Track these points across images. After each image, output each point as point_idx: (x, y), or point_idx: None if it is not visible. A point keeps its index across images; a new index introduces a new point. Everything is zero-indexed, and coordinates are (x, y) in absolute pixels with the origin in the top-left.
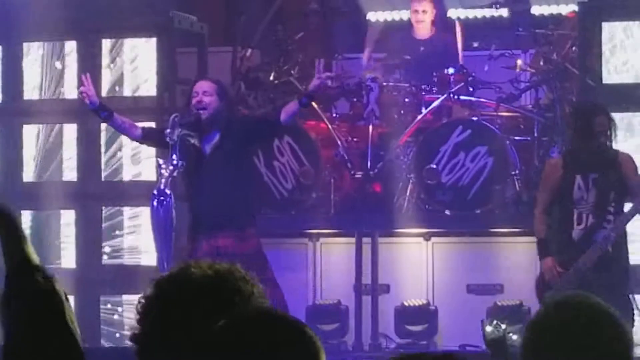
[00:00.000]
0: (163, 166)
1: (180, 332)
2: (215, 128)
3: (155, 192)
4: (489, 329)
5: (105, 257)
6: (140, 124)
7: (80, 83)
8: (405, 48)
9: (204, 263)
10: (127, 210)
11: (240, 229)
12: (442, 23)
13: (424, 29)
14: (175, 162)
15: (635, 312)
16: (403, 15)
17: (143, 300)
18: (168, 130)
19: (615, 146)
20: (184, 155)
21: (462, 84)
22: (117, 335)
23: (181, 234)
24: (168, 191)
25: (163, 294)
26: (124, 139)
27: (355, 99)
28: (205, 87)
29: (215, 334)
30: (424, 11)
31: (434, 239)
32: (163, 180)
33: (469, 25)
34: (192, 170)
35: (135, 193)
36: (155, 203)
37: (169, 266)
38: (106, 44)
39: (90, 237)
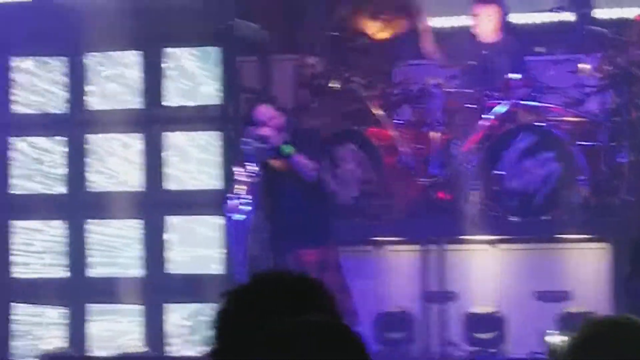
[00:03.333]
0: (239, 173)
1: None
2: (288, 139)
3: (231, 198)
4: (552, 340)
5: (170, 265)
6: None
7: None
8: (469, 53)
9: (278, 273)
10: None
11: (321, 241)
12: (506, 28)
13: (488, 34)
14: (251, 170)
15: None
16: (465, 20)
17: (219, 314)
18: (246, 140)
19: None
20: (263, 169)
21: (528, 89)
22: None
23: (256, 243)
24: (244, 199)
25: (238, 307)
26: (185, 148)
27: (418, 106)
28: (265, 113)
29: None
30: (489, 16)
31: (500, 246)
32: (239, 187)
33: (533, 30)
34: (268, 181)
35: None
36: (230, 209)
37: (243, 274)
38: (169, 53)
39: (155, 246)
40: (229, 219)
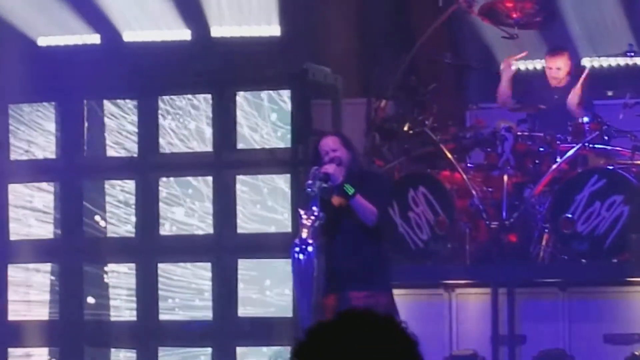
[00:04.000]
0: (304, 217)
1: None
2: (351, 179)
3: (297, 241)
4: None
5: (241, 308)
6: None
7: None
8: (541, 96)
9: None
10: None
11: (373, 284)
12: (576, 71)
13: (559, 80)
14: (316, 213)
15: None
16: (537, 64)
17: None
18: (309, 182)
19: None
20: (323, 208)
21: (597, 132)
22: None
23: (320, 287)
24: (310, 241)
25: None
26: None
27: (489, 149)
28: (331, 143)
29: None
30: (558, 68)
31: (570, 289)
32: (305, 230)
33: (603, 74)
34: (329, 225)
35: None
36: (297, 253)
37: (309, 317)
38: (240, 96)
39: (224, 289)
40: (294, 263)
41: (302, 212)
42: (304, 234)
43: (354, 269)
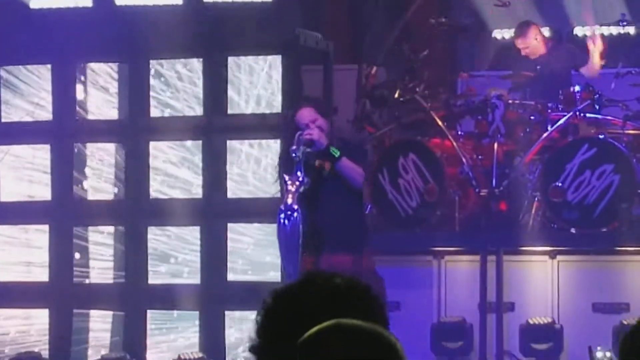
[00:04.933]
0: (289, 182)
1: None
2: (334, 145)
3: (282, 207)
4: (599, 355)
5: (230, 273)
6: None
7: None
8: (526, 64)
9: (328, 275)
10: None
11: (357, 248)
12: (557, 37)
13: (537, 51)
14: (301, 178)
15: None
16: None
17: (263, 311)
18: (294, 147)
19: None
20: (307, 172)
21: (589, 101)
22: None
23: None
24: (295, 206)
25: (284, 306)
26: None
27: (480, 117)
28: (307, 115)
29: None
30: (535, 39)
31: (559, 257)
32: (290, 196)
33: None
34: (313, 189)
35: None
36: (282, 218)
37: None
38: (231, 61)
39: (216, 254)
40: (279, 229)
41: (287, 177)
42: (289, 200)
43: (338, 232)
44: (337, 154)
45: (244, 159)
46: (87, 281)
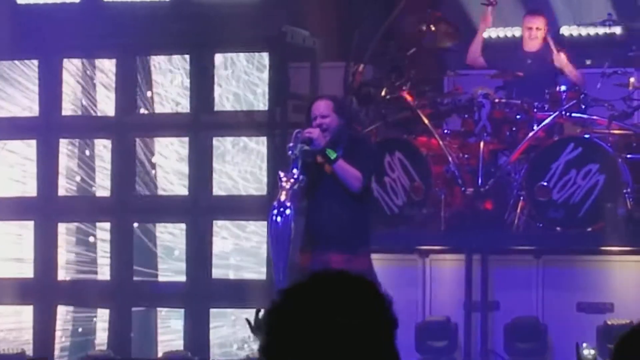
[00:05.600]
0: (284, 179)
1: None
2: (337, 145)
3: (275, 204)
4: (585, 352)
5: (214, 270)
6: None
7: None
8: (514, 62)
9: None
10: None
11: (353, 247)
12: (554, 40)
13: (534, 44)
14: (296, 175)
15: None
16: (515, 32)
17: (273, 311)
18: (291, 144)
19: None
20: (305, 170)
21: (575, 101)
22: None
23: (297, 248)
24: (288, 204)
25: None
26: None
27: (466, 116)
28: (322, 108)
29: None
30: (537, 28)
31: (544, 257)
32: (284, 193)
33: (582, 43)
34: (312, 186)
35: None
36: (274, 215)
37: (284, 279)
38: (218, 58)
39: (199, 251)
40: (271, 226)
41: (281, 174)
42: (283, 197)
43: (334, 231)
44: (333, 155)
45: (230, 157)
46: (70, 278)
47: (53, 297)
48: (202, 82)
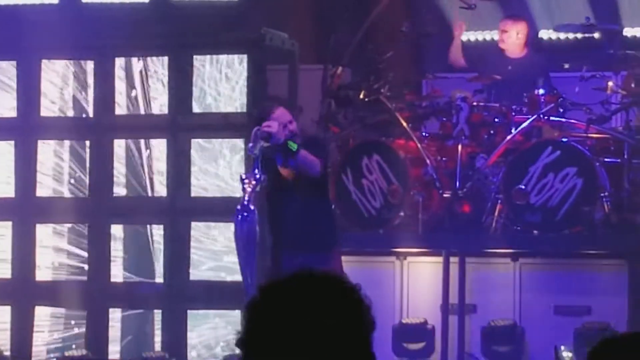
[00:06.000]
0: (246, 181)
1: (288, 339)
2: (294, 138)
3: (239, 207)
4: (564, 354)
5: (192, 272)
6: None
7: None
8: (495, 67)
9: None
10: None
11: (323, 249)
12: (534, 44)
13: (515, 49)
14: (257, 176)
15: None
16: (494, 35)
17: (251, 306)
18: (250, 145)
19: None
20: (265, 168)
21: (553, 105)
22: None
23: (264, 251)
24: (252, 207)
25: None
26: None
27: (444, 119)
28: (287, 116)
29: None
30: (517, 33)
31: (521, 260)
32: (246, 196)
33: (560, 47)
34: (273, 186)
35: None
36: (239, 218)
37: (252, 282)
38: (197, 59)
39: (178, 252)
40: (236, 230)
41: (243, 177)
42: (245, 200)
43: (303, 232)
44: (294, 147)
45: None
46: (49, 278)
47: (31, 298)
48: (180, 83)
